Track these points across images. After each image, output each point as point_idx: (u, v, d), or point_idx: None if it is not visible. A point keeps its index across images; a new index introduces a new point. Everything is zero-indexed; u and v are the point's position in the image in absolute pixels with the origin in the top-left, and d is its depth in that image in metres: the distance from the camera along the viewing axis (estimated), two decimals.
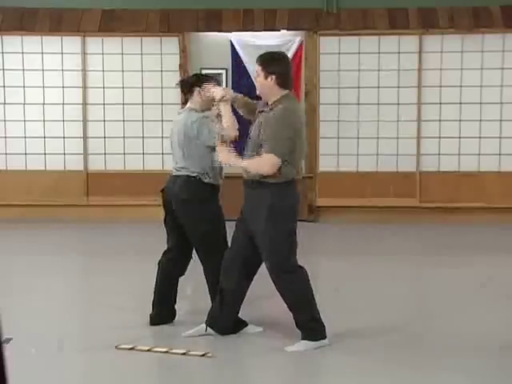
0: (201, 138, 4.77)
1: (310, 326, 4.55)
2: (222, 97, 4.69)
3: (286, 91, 4.51)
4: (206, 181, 4.81)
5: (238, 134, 4.69)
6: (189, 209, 4.80)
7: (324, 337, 4.56)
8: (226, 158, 4.55)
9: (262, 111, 4.54)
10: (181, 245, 4.96)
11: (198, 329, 4.76)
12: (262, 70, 4.48)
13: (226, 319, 4.72)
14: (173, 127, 5.04)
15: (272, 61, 4.53)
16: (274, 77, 4.45)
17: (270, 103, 4.51)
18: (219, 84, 5.03)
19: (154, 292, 5.03)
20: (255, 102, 4.79)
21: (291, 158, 4.43)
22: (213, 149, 4.80)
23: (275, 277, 4.54)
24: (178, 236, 4.94)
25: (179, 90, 5.10)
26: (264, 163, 4.38)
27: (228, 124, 4.66)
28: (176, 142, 4.91)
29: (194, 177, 4.81)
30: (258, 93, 4.62)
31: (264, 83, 4.48)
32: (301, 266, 4.55)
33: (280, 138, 4.37)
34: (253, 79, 8.09)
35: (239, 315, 4.80)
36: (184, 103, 5.15)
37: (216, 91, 4.75)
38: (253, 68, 9.22)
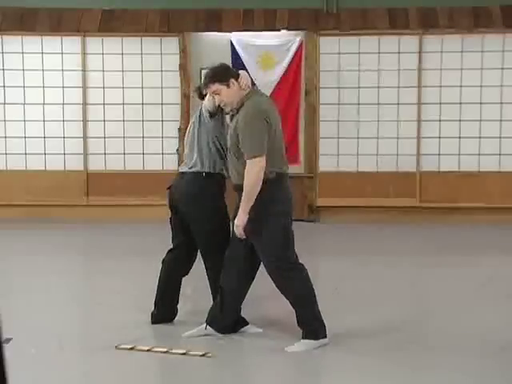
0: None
1: (312, 324, 4.56)
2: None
3: (247, 89, 4.57)
4: (213, 171, 4.79)
5: None
6: (195, 206, 4.80)
7: (325, 336, 4.56)
8: (241, 221, 4.46)
9: (233, 115, 4.60)
10: (186, 244, 4.95)
11: (198, 329, 4.77)
12: (221, 83, 4.52)
13: (225, 318, 4.73)
14: (189, 129, 5.05)
15: (220, 71, 4.63)
16: (233, 80, 4.53)
17: (237, 106, 4.55)
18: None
19: (157, 290, 5.02)
20: None
21: (269, 154, 4.43)
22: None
23: (272, 275, 4.55)
24: (183, 235, 4.94)
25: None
26: (251, 175, 4.38)
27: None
28: (190, 137, 4.90)
29: (202, 173, 4.80)
30: (226, 110, 4.64)
31: (230, 92, 4.52)
32: (300, 263, 4.55)
33: (253, 136, 4.39)
34: (252, 79, 8.08)
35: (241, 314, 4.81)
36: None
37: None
38: (253, 67, 9.27)
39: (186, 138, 5.04)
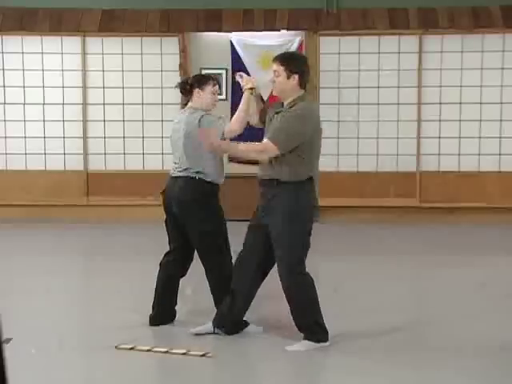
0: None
1: (312, 329, 4.53)
2: (252, 88, 4.68)
3: (303, 91, 4.49)
4: (208, 179, 4.79)
5: (240, 129, 4.70)
6: (189, 210, 4.80)
7: (325, 340, 4.55)
8: (208, 142, 4.35)
9: (280, 111, 4.48)
10: (182, 246, 4.95)
11: (205, 326, 4.75)
12: (285, 69, 4.41)
13: (235, 320, 4.72)
14: (173, 127, 5.03)
15: (294, 60, 4.52)
16: (296, 76, 4.41)
17: (286, 103, 4.47)
18: (218, 83, 5.03)
19: (155, 293, 5.02)
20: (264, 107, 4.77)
21: (308, 157, 4.41)
22: None
23: (286, 277, 4.49)
24: (179, 237, 4.94)
25: (179, 91, 5.09)
26: (258, 148, 4.39)
27: (238, 115, 4.70)
28: (177, 140, 4.90)
29: (193, 177, 4.80)
30: (274, 93, 4.58)
31: (286, 83, 4.42)
32: (307, 272, 4.54)
33: (289, 131, 4.34)
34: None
35: None
36: (185, 104, 5.14)
37: (248, 79, 4.76)
38: (253, 67, 9.27)
39: (173, 138, 5.02)
